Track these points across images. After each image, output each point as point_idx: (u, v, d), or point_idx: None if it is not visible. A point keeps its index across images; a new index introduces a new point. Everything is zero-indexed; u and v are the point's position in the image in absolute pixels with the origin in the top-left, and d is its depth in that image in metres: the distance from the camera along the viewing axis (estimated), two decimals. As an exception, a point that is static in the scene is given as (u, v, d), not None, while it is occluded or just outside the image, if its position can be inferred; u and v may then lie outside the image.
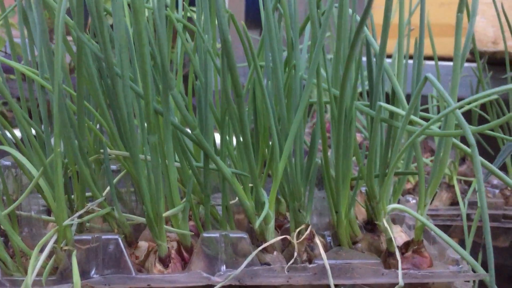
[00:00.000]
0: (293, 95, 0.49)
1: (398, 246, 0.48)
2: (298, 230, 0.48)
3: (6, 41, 1.10)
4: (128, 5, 0.50)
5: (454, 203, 0.77)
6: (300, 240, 0.48)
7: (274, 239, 0.48)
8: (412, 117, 0.46)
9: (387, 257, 0.49)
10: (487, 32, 1.00)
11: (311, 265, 0.46)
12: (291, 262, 0.46)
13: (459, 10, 0.44)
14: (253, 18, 1.23)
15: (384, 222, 0.49)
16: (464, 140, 0.80)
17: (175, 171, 0.46)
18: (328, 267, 0.45)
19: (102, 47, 0.41)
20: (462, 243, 0.70)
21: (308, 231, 0.48)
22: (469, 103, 0.43)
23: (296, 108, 0.48)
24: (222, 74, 0.43)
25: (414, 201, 0.58)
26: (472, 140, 0.40)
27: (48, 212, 0.58)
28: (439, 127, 0.49)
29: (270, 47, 0.47)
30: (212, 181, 0.56)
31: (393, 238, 0.48)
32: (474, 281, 0.52)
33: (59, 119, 0.42)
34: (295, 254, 0.47)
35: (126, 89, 0.42)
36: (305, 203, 0.50)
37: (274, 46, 0.46)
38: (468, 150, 0.47)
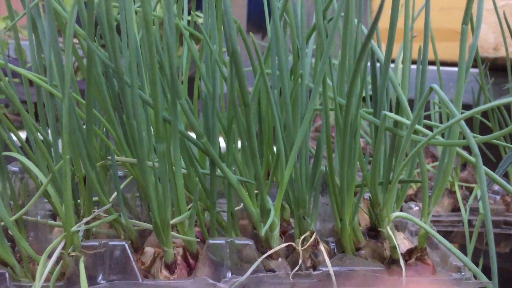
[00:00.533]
0: (299, 103, 0.49)
1: (401, 254, 0.49)
2: (303, 237, 0.49)
3: (8, 43, 1.11)
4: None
5: (455, 209, 0.78)
6: (305, 247, 0.48)
7: (279, 246, 0.48)
8: (416, 126, 0.47)
9: (390, 264, 0.49)
10: (488, 38, 1.00)
11: (315, 272, 0.46)
12: (296, 269, 0.46)
13: (464, 22, 0.44)
14: (254, 21, 1.23)
15: (388, 230, 0.49)
16: (467, 147, 0.80)
17: (181, 178, 0.46)
18: (332, 274, 0.46)
19: (112, 56, 0.41)
20: (463, 249, 0.71)
21: (312, 238, 0.49)
22: (472, 115, 0.43)
23: (301, 116, 0.49)
24: (229, 83, 0.44)
25: (416, 208, 0.59)
26: (476, 150, 0.41)
27: (54, 216, 0.59)
28: (443, 135, 0.49)
29: (277, 56, 0.47)
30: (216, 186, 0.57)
31: (397, 246, 0.49)
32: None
33: (68, 127, 0.42)
34: (300, 261, 0.47)
35: (135, 99, 0.42)
36: (310, 210, 0.51)
37: (281, 56, 0.47)
38: (472, 159, 0.47)
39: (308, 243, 0.49)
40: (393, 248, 0.49)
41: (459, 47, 0.44)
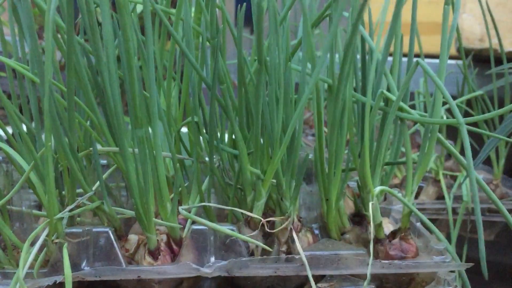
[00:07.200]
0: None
1: (385, 235, 0.50)
2: (276, 218, 0.50)
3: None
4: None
5: (440, 197, 0.79)
6: (279, 229, 0.49)
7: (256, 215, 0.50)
8: (402, 104, 0.48)
9: (374, 244, 0.49)
10: (474, 29, 1.01)
11: (298, 256, 0.47)
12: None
13: (446, 3, 0.45)
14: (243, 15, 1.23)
15: (371, 206, 0.49)
16: (451, 137, 0.81)
17: (162, 164, 0.46)
18: (304, 259, 0.46)
19: (91, 41, 0.42)
20: (448, 237, 0.71)
21: (288, 222, 0.49)
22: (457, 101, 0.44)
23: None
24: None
25: (400, 194, 0.59)
26: (459, 115, 0.41)
27: (39, 208, 0.59)
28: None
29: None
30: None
31: (381, 221, 0.49)
32: (459, 273, 0.53)
33: (49, 113, 0.43)
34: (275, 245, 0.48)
35: (113, 83, 0.42)
36: (288, 193, 0.51)
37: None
38: (451, 147, 0.48)
39: (282, 226, 0.49)
40: (378, 226, 0.49)
41: (442, 26, 0.45)
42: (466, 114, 0.81)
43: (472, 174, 0.42)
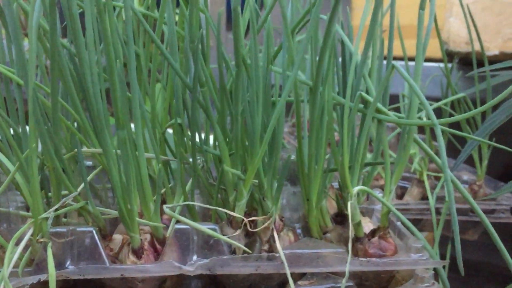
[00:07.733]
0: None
1: (365, 233, 0.50)
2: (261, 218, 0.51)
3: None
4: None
5: (424, 198, 0.80)
6: (261, 228, 0.50)
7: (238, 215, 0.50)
8: (380, 106, 0.49)
9: (354, 243, 0.50)
10: (460, 33, 1.02)
11: (278, 254, 0.48)
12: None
13: (421, 7, 0.46)
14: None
15: (349, 204, 0.49)
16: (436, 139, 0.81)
17: (145, 164, 0.47)
18: (283, 257, 0.47)
19: (74, 43, 0.42)
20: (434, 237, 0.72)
21: (269, 221, 0.50)
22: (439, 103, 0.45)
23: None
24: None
25: (381, 194, 0.60)
26: (433, 116, 0.42)
27: (28, 209, 0.60)
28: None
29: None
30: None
31: (361, 220, 0.50)
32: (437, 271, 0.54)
33: (33, 114, 0.44)
34: (257, 244, 0.49)
35: (95, 84, 0.43)
36: (270, 193, 0.51)
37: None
38: (426, 147, 0.49)
39: (264, 226, 0.50)
40: (357, 225, 0.50)
41: (417, 29, 0.46)
42: (450, 116, 0.82)
43: (446, 173, 0.42)
